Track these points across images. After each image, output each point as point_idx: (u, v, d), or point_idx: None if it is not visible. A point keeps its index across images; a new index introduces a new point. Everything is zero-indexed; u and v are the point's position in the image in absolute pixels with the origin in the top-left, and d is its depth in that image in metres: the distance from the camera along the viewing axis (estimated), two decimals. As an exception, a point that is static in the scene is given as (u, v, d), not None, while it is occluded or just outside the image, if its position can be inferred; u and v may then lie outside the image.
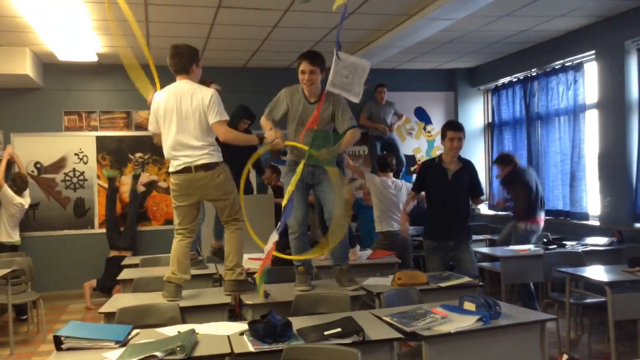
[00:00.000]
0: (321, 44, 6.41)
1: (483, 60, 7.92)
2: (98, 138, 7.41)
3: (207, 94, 3.50)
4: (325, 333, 2.61)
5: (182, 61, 3.55)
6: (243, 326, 2.80)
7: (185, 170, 3.51)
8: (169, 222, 7.40)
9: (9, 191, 6.41)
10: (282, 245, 4.08)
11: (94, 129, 7.42)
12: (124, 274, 4.40)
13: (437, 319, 2.80)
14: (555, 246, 5.45)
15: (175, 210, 3.70)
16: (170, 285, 3.51)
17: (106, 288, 6.78)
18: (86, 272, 6.99)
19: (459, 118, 8.20)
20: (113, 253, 7.05)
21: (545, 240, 5.72)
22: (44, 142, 7.25)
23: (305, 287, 3.71)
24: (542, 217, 5.86)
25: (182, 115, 3.49)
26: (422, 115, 8.52)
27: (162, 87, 3.72)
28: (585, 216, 6.24)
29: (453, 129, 4.42)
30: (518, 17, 5.74)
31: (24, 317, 5.98)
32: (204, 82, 4.47)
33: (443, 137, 4.49)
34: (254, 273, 3.51)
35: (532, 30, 6.29)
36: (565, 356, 3.11)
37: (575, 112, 6.34)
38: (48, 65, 7.18)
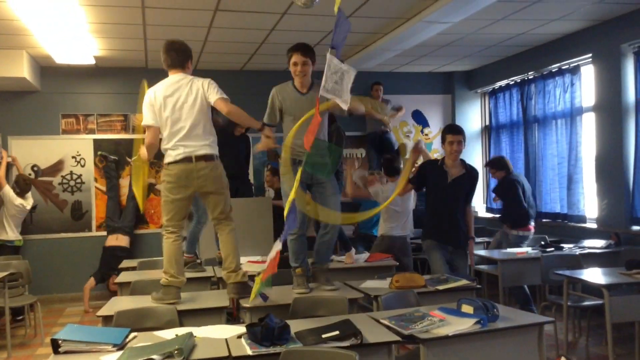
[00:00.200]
0: (318, 47, 6.42)
1: (480, 63, 7.94)
2: (95, 141, 7.40)
3: (204, 79, 3.59)
4: (323, 336, 2.61)
5: (181, 56, 3.63)
6: (241, 329, 2.79)
7: (186, 159, 3.50)
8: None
9: (10, 192, 6.46)
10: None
11: (92, 131, 7.41)
12: (122, 277, 4.39)
13: (435, 322, 2.80)
14: (552, 249, 5.46)
15: (167, 206, 3.58)
16: (171, 288, 3.49)
17: (103, 278, 6.79)
18: (83, 275, 6.96)
19: (457, 121, 8.21)
20: (110, 241, 7.05)
21: (542, 243, 5.73)
22: (41, 145, 7.24)
23: (303, 290, 3.71)
24: (532, 223, 5.93)
25: (182, 104, 3.51)
26: (420, 119, 8.54)
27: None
28: (583, 219, 6.25)
29: (452, 132, 4.43)
30: (515, 21, 5.76)
31: (20, 317, 5.97)
32: None
33: (443, 140, 4.49)
34: (254, 276, 3.51)
35: (529, 34, 6.31)
36: (563, 359, 3.12)
37: (572, 115, 6.36)
38: (45, 68, 7.18)
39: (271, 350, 2.48)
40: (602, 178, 5.95)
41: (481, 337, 2.81)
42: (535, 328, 2.95)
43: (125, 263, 5.36)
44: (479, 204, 8.11)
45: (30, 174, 7.17)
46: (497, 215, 7.40)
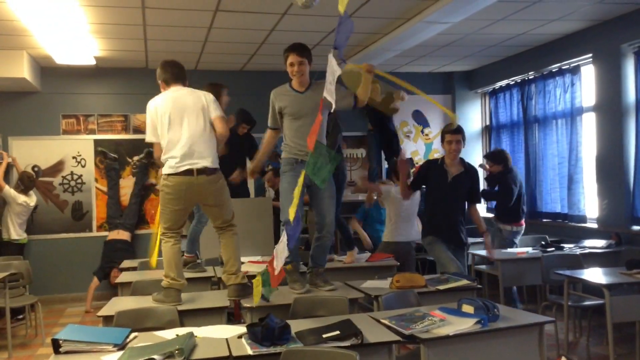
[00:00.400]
0: (319, 47, 6.42)
1: (480, 64, 7.94)
2: (96, 141, 7.40)
3: (205, 93, 3.66)
4: (324, 336, 2.61)
5: (182, 72, 3.72)
6: (241, 329, 2.79)
7: (187, 172, 3.47)
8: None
9: (11, 191, 6.52)
10: None
11: (92, 132, 7.41)
12: (123, 277, 4.39)
13: (435, 322, 2.80)
14: (553, 249, 5.47)
15: (166, 215, 3.55)
16: (172, 290, 3.48)
17: (105, 274, 6.79)
18: (84, 275, 6.96)
19: (457, 121, 8.20)
20: (111, 235, 7.08)
21: (543, 242, 5.73)
22: (41, 146, 7.24)
23: (299, 286, 3.66)
24: (523, 218, 6.05)
25: (185, 115, 3.51)
26: (420, 119, 8.54)
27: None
28: (583, 219, 6.25)
29: (451, 131, 4.48)
30: (515, 21, 5.76)
31: (20, 316, 5.97)
32: (216, 84, 4.50)
33: (442, 139, 4.56)
34: (254, 277, 3.50)
35: (529, 34, 6.31)
36: (563, 359, 3.12)
37: (573, 115, 6.36)
38: (46, 69, 7.18)
39: (272, 350, 2.48)
40: (602, 178, 5.95)
41: (482, 337, 2.81)
42: (536, 328, 2.95)
43: (125, 263, 5.36)
44: (479, 204, 8.09)
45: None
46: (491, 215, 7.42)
